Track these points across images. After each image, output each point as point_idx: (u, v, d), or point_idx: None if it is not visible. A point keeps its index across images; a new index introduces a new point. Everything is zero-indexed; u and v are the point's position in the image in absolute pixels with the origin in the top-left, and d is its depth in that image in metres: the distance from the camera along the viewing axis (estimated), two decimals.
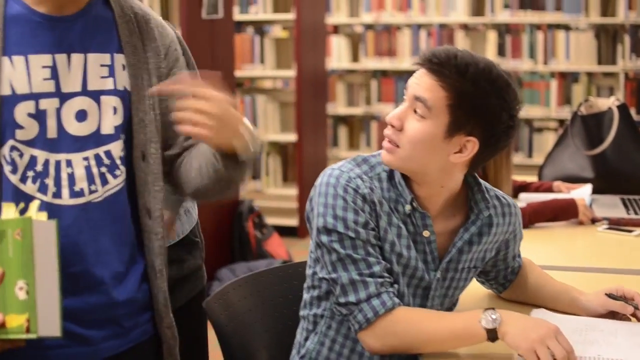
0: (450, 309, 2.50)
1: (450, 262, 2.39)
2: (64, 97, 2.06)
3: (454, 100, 2.20)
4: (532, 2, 8.16)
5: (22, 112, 2.02)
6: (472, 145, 2.24)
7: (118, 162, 2.13)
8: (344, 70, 8.97)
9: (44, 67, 2.04)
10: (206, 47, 5.62)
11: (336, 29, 9.15)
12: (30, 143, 2.04)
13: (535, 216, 3.65)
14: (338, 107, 8.86)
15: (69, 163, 2.07)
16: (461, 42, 8.36)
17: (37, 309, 1.90)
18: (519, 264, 2.66)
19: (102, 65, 2.11)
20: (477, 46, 8.40)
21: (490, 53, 8.21)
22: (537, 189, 4.12)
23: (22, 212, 1.96)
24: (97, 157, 2.10)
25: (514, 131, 2.28)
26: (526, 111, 8.04)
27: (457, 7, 8.39)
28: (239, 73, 7.37)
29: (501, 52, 8.24)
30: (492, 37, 8.26)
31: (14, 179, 2.04)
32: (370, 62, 8.68)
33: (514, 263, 2.64)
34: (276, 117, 7.71)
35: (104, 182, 2.11)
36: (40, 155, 2.05)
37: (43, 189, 2.05)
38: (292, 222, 7.36)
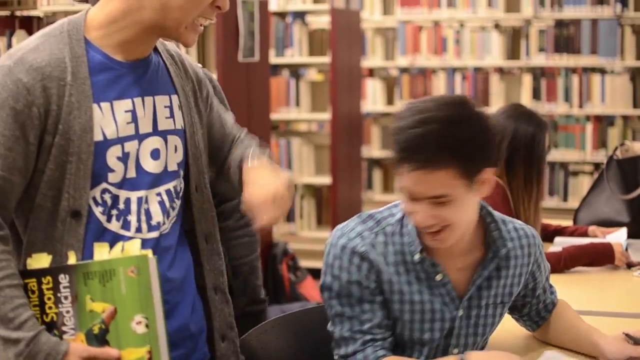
0: (482, 348, 2.51)
1: (470, 299, 2.42)
2: (141, 138, 2.22)
3: (462, 165, 2.23)
4: (568, 45, 8.15)
5: (112, 156, 2.17)
6: (488, 174, 2.29)
7: (177, 195, 2.31)
8: (379, 113, 8.99)
9: (126, 111, 2.20)
10: (242, 90, 5.66)
11: (371, 72, 9.18)
12: (118, 185, 2.19)
13: (572, 261, 3.63)
14: (373, 150, 8.87)
15: (146, 200, 2.23)
16: (496, 86, 8.36)
17: (159, 340, 2.04)
18: (552, 300, 2.67)
19: (165, 107, 2.28)
20: (512, 89, 8.40)
21: (525, 96, 8.21)
22: (572, 233, 4.11)
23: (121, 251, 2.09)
24: (168, 192, 2.28)
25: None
26: (562, 155, 8.01)
27: (492, 50, 8.40)
28: (274, 116, 7.40)
29: (536, 95, 8.23)
30: (527, 80, 8.26)
31: (103, 219, 2.18)
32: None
33: (546, 298, 2.65)
34: (311, 159, 7.73)
35: (168, 215, 2.28)
36: (122, 194, 2.20)
37: (126, 225, 2.20)
38: None
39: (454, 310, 2.40)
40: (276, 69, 7.97)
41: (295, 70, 8.29)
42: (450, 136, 2.21)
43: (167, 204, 2.27)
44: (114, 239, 2.16)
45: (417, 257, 2.37)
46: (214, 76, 2.79)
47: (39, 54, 2.13)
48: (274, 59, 7.58)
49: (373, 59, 8.93)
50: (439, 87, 8.56)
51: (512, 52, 8.41)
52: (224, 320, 2.45)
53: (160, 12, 2.16)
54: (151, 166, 2.24)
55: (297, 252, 6.85)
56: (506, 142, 3.80)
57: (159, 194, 2.26)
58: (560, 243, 3.88)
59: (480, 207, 2.41)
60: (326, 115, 7.50)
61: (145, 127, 2.23)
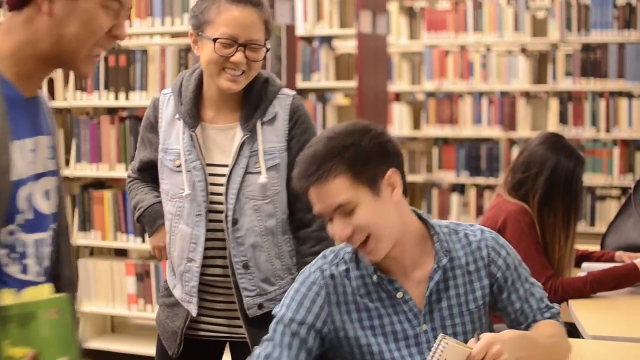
0: None
1: (431, 312, 2.44)
2: (37, 178, 2.09)
3: (351, 168, 2.34)
4: (595, 69, 8.13)
5: (22, 197, 2.03)
6: (393, 174, 2.38)
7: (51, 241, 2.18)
8: (406, 138, 9.00)
9: (31, 150, 2.06)
10: None
11: (398, 97, 9.19)
12: (21, 226, 2.04)
13: (598, 284, 3.61)
14: None
15: (42, 242, 2.11)
16: (523, 110, 8.35)
17: None
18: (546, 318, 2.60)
19: (49, 147, 2.14)
20: (538, 114, 8.39)
21: (552, 121, 8.20)
22: (599, 258, 4.09)
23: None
24: (53, 235, 2.17)
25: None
26: (589, 179, 7.98)
27: (519, 74, 8.39)
28: None
29: (563, 119, 8.21)
30: (554, 104, 8.24)
31: (4, 261, 2.03)
32: (431, 130, 8.70)
33: (539, 316, 2.57)
34: None
35: (51, 259, 2.18)
36: (21, 236, 2.05)
37: (25, 269, 2.06)
38: None
39: (417, 325, 2.43)
40: (303, 93, 7.99)
41: (322, 95, 8.31)
42: (334, 146, 2.34)
43: (50, 248, 2.16)
44: (11, 285, 2.02)
45: (374, 277, 2.42)
46: None
47: None
48: (300, 84, 7.61)
49: (399, 84, 8.95)
50: (465, 111, 8.56)
51: (539, 76, 8.40)
52: None
53: (57, 43, 2.04)
54: (45, 207, 2.11)
55: None
56: (545, 176, 3.79)
57: (51, 236, 2.16)
58: (587, 268, 3.86)
59: (418, 215, 2.49)
60: None
61: (40, 167, 2.10)
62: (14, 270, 2.06)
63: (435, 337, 2.39)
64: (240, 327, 3.06)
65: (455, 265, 2.47)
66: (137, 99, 5.44)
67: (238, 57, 2.87)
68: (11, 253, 2.04)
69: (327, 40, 7.97)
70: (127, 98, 5.48)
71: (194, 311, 3.06)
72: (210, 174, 2.99)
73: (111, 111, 5.77)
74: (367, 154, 2.35)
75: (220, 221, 2.98)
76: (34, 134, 2.08)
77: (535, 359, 2.32)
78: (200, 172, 2.96)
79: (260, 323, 2.93)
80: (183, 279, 3.07)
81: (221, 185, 2.97)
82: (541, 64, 8.41)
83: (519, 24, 8.38)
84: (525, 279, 2.55)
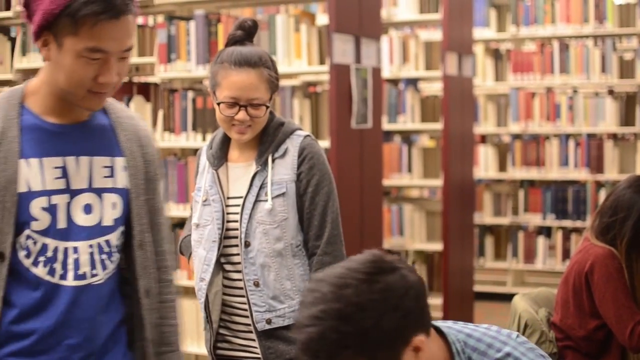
0: None
1: None
2: (73, 193, 2.45)
3: (368, 356, 2.02)
4: None
5: (36, 206, 2.40)
6: (416, 340, 2.06)
7: (114, 250, 2.52)
8: (491, 180, 8.97)
9: (56, 167, 2.43)
10: (355, 156, 5.70)
11: (484, 139, 9.17)
12: (43, 233, 2.41)
13: None
14: (485, 216, 8.83)
15: (75, 250, 2.44)
16: (610, 152, 8.27)
17: None
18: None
19: (104, 167, 2.51)
20: (626, 156, 8.29)
21: None
22: None
23: None
24: (99, 246, 2.49)
25: None
26: None
27: (606, 116, 8.32)
28: (386, 182, 7.43)
29: None
30: None
31: (27, 262, 2.41)
32: (517, 172, 8.66)
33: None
34: (422, 226, 7.73)
35: (104, 267, 2.50)
36: (51, 243, 2.42)
37: (52, 272, 2.42)
38: None
39: None
40: (389, 135, 8.02)
41: (408, 137, 8.32)
42: (349, 334, 1.99)
43: (97, 256, 2.48)
44: (37, 283, 2.42)
45: None
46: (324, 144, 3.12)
47: None
48: (386, 125, 7.63)
49: (485, 125, 8.93)
50: (551, 153, 8.50)
51: (626, 118, 8.32)
52: None
53: (61, 85, 2.40)
54: (82, 220, 2.46)
55: None
56: (633, 220, 3.76)
57: (90, 246, 2.47)
58: None
59: (438, 331, 2.23)
60: (438, 182, 7.50)
61: (79, 183, 2.46)
62: (40, 272, 2.42)
63: None
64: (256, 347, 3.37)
65: None
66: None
67: (241, 115, 3.27)
68: (39, 256, 2.41)
69: (413, 82, 7.99)
70: None
71: (206, 326, 3.43)
72: (230, 205, 3.37)
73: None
74: (392, 334, 2.01)
75: (237, 245, 3.34)
76: (68, 154, 2.45)
77: None
78: (218, 205, 3.35)
79: (270, 337, 3.30)
80: (197, 296, 3.44)
81: (237, 213, 3.34)
82: (628, 105, 8.33)
83: (606, 66, 8.32)
84: None
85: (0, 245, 2.38)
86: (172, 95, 5.77)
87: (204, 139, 5.60)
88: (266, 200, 3.30)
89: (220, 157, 3.41)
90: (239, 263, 3.34)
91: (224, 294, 3.36)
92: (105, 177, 2.51)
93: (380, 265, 2.03)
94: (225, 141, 3.44)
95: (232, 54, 3.30)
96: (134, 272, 2.57)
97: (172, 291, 2.70)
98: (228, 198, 3.38)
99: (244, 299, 3.33)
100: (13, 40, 6.39)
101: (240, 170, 3.39)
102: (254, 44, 3.41)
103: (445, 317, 7.19)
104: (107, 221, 2.50)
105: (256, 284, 3.30)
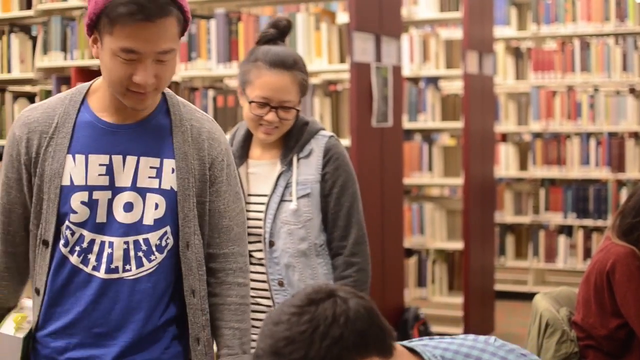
0: None
1: None
2: (116, 190, 2.53)
3: None
4: None
5: (76, 200, 2.51)
6: None
7: (154, 249, 2.56)
8: (512, 179, 8.94)
9: (101, 164, 2.53)
10: (376, 154, 5.70)
11: (504, 137, 9.15)
12: (80, 225, 2.52)
13: None
14: (505, 215, 8.81)
15: (110, 245, 2.53)
16: (631, 151, 8.23)
17: None
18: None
19: (151, 167, 2.56)
20: None
21: None
22: None
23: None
24: (136, 243, 2.54)
25: None
26: None
27: (628, 115, 8.29)
28: (407, 180, 7.42)
29: None
30: None
31: (65, 250, 2.54)
32: (538, 171, 8.63)
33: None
34: (443, 224, 7.71)
35: (139, 264, 2.55)
36: (87, 235, 2.53)
37: (85, 262, 2.53)
38: (458, 330, 7.29)
39: None
40: (409, 133, 8.01)
41: (428, 135, 8.31)
42: None
43: (132, 253, 2.54)
44: (72, 271, 2.54)
45: None
46: (344, 146, 3.20)
47: (32, 112, 2.61)
48: (407, 124, 7.63)
49: (506, 124, 8.91)
50: (572, 152, 8.47)
51: None
52: None
53: (107, 83, 2.54)
54: (122, 217, 2.53)
55: (428, 317, 6.82)
56: None
57: (126, 242, 2.53)
58: None
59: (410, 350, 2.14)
60: (459, 180, 7.49)
61: (123, 181, 2.54)
62: (75, 260, 2.54)
63: None
64: None
65: None
66: None
67: (270, 117, 3.26)
68: (75, 245, 2.53)
69: (433, 80, 7.98)
70: None
71: None
72: (252, 203, 3.37)
73: None
74: None
75: (261, 242, 3.35)
76: (115, 152, 2.53)
77: None
78: None
79: None
80: None
81: (261, 212, 3.34)
82: None
83: (627, 64, 8.28)
84: None
85: (46, 232, 2.54)
86: (193, 94, 5.78)
87: None
88: (291, 201, 3.31)
89: (242, 155, 3.41)
90: (260, 263, 3.35)
91: None
92: (151, 177, 2.56)
93: (313, 296, 1.92)
94: (247, 138, 3.44)
95: (267, 53, 3.27)
96: (181, 272, 2.62)
97: (236, 294, 2.71)
98: (249, 195, 3.38)
99: (269, 299, 3.35)
100: (34, 39, 6.41)
101: (263, 169, 3.39)
102: (286, 45, 3.40)
103: (466, 317, 7.18)
104: (147, 220, 2.55)
105: (280, 284, 3.32)
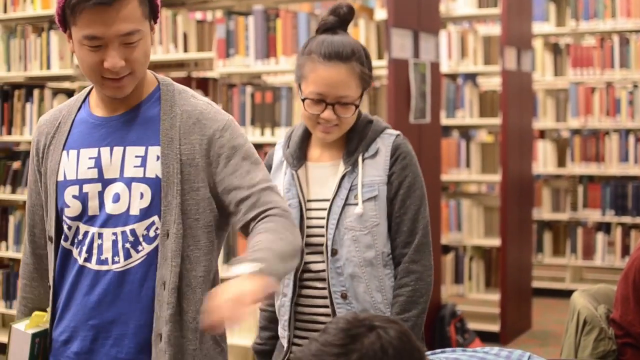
0: None
1: None
2: (105, 182, 2.52)
3: None
4: None
5: (69, 194, 2.55)
6: None
7: (141, 239, 2.52)
8: (550, 175, 8.91)
9: (90, 158, 2.54)
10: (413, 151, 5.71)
11: (542, 134, 9.11)
12: (75, 218, 2.55)
13: None
14: (543, 212, 8.78)
15: (100, 236, 2.52)
16: None
17: None
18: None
19: (136, 156, 2.53)
20: None
21: None
22: None
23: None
24: (123, 234, 2.51)
25: None
26: None
27: None
28: (444, 177, 7.42)
29: None
30: None
31: (66, 245, 2.58)
32: (577, 168, 8.59)
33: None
34: (480, 221, 7.70)
35: (127, 256, 2.51)
36: (82, 227, 2.54)
37: (81, 254, 2.54)
38: (494, 327, 7.28)
39: None
40: (447, 130, 8.00)
41: (466, 132, 8.29)
42: None
43: (120, 244, 2.51)
44: (73, 264, 2.56)
45: None
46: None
47: (46, 115, 2.71)
48: (444, 120, 7.61)
49: (544, 121, 8.87)
50: (611, 149, 8.42)
51: None
52: None
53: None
54: (110, 208, 2.51)
55: (465, 314, 6.82)
56: None
57: (114, 234, 2.51)
58: None
59: None
60: (496, 177, 7.47)
61: (112, 173, 2.53)
62: (75, 254, 2.56)
63: None
64: None
65: None
66: (282, 135, 5.53)
67: (327, 114, 2.97)
68: (74, 238, 2.56)
69: (471, 77, 7.97)
70: (272, 134, 5.59)
71: (285, 344, 3.10)
72: (312, 209, 3.06)
73: (257, 147, 5.86)
74: None
75: (321, 253, 3.03)
76: (103, 145, 2.54)
77: None
78: (296, 210, 3.03)
79: None
80: (280, 313, 3.14)
81: (322, 218, 3.02)
82: None
83: None
84: None
85: (50, 228, 2.60)
86: (231, 90, 5.81)
87: (262, 133, 5.63)
88: (356, 204, 3.00)
89: (300, 156, 3.11)
90: (319, 277, 3.04)
91: (302, 305, 3.08)
92: (136, 166, 2.52)
93: (353, 332, 1.85)
94: (305, 138, 3.15)
95: (322, 44, 2.98)
96: (156, 260, 2.52)
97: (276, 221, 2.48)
98: (308, 201, 3.07)
99: (327, 311, 3.03)
100: None
101: (324, 171, 3.09)
102: (347, 34, 3.09)
103: (503, 314, 7.17)
104: (134, 210, 2.51)
105: (344, 297, 3.00)
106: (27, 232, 2.74)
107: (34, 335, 2.61)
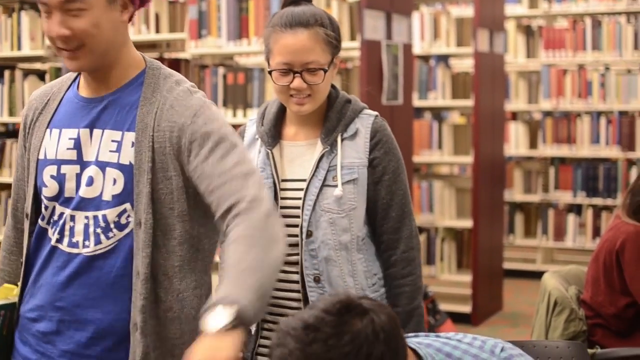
0: None
1: None
2: (84, 165, 2.49)
3: None
4: None
5: (47, 173, 2.53)
6: None
7: (112, 226, 2.47)
8: (522, 157, 8.94)
9: (70, 138, 2.51)
10: None
11: (514, 116, 9.14)
12: (52, 199, 2.52)
13: None
14: (515, 194, 8.81)
15: (72, 218, 2.50)
16: None
17: None
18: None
19: (112, 141, 2.49)
20: None
21: None
22: None
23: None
24: (95, 219, 2.48)
25: None
26: None
27: (639, 94, 8.26)
28: (416, 158, 7.43)
29: None
30: None
31: (42, 224, 2.56)
32: (548, 149, 8.62)
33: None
34: (452, 203, 7.72)
35: (97, 241, 2.47)
36: (58, 208, 2.52)
37: (53, 233, 2.52)
38: (466, 308, 7.31)
39: None
40: (419, 111, 8.00)
41: (438, 113, 8.30)
42: None
43: (92, 229, 2.47)
44: (46, 243, 2.53)
45: None
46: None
47: (38, 90, 2.70)
48: (417, 102, 7.62)
49: (516, 103, 8.89)
50: (583, 131, 8.46)
51: None
52: (141, 352, 2.45)
53: None
54: (83, 191, 2.48)
55: (436, 295, 6.84)
56: None
57: (86, 217, 2.48)
58: None
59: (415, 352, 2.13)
60: (468, 159, 7.49)
61: (89, 155, 2.49)
62: (50, 233, 2.54)
63: None
64: None
65: None
66: (255, 116, 5.52)
67: (296, 83, 2.88)
68: (50, 218, 2.53)
69: (444, 58, 7.97)
70: (244, 115, 5.57)
71: (253, 329, 3.00)
72: (286, 189, 2.97)
73: None
74: None
75: (296, 236, 2.93)
76: (83, 126, 2.50)
77: None
78: (271, 190, 2.94)
79: None
80: None
81: (298, 199, 2.93)
82: None
83: (638, 43, 8.26)
84: None
85: (28, 206, 2.59)
86: (203, 72, 5.79)
87: (234, 115, 5.62)
88: (335, 186, 2.91)
89: (274, 135, 3.01)
90: (291, 260, 2.93)
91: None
92: (111, 151, 2.47)
93: (345, 311, 1.87)
94: (280, 116, 3.05)
95: (283, 15, 2.90)
96: (128, 248, 2.48)
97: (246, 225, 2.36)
98: (283, 181, 2.97)
99: (298, 301, 2.94)
100: None
101: (300, 150, 3.00)
102: (311, 4, 2.99)
103: (474, 295, 7.20)
104: (106, 196, 2.46)
105: (317, 280, 2.91)
106: (11, 206, 2.72)
107: (0, 307, 2.58)
